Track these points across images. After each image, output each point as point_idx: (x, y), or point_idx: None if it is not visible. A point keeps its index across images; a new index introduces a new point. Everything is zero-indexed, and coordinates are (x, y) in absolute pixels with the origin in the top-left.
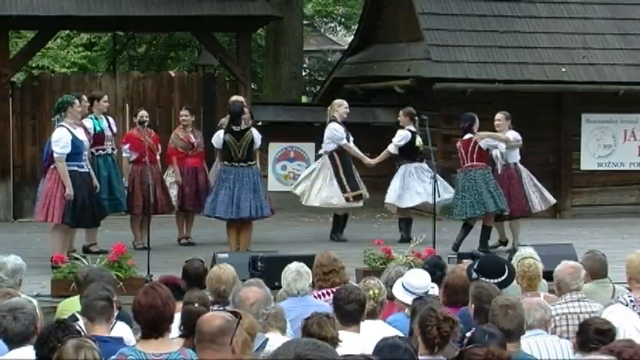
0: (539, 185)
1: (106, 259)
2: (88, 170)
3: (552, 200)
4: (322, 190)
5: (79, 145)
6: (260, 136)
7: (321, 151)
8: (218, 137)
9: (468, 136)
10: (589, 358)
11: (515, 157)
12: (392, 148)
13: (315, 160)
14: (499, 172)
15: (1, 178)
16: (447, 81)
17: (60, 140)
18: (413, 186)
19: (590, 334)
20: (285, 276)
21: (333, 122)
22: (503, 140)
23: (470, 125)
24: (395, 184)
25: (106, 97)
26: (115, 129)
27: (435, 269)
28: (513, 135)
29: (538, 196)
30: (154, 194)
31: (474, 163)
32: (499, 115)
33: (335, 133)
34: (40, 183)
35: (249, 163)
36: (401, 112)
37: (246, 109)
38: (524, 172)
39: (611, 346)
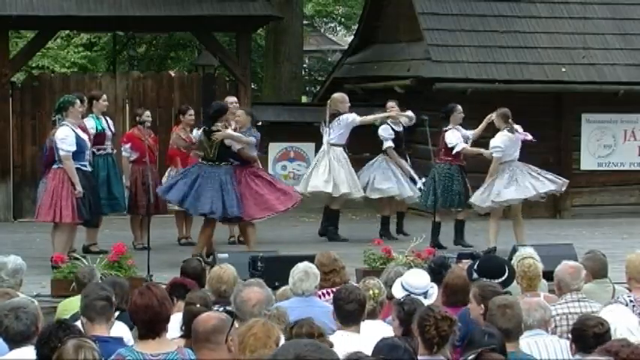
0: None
1: (106, 259)
2: (90, 169)
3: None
4: (349, 178)
5: (82, 145)
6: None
7: (324, 146)
8: (258, 136)
9: (444, 128)
10: (590, 359)
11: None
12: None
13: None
14: None
15: (1, 178)
16: (447, 81)
17: (66, 138)
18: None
19: (590, 340)
20: (292, 274)
21: (344, 114)
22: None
23: (446, 117)
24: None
25: (104, 97)
26: (113, 129)
27: (441, 268)
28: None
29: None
30: (154, 194)
31: (441, 157)
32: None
33: (352, 119)
34: (39, 183)
35: None
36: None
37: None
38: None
39: (607, 346)
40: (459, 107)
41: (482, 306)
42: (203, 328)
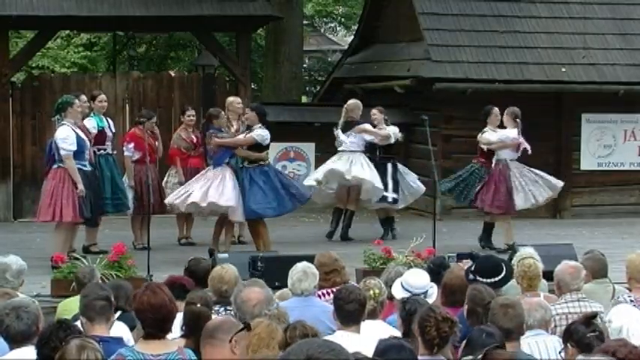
0: (540, 179)
1: (106, 259)
2: (91, 169)
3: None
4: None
5: (82, 144)
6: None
7: (343, 148)
8: (267, 134)
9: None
10: (594, 359)
11: (509, 154)
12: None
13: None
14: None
15: (1, 178)
16: (447, 81)
17: (67, 138)
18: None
19: (582, 329)
20: (291, 275)
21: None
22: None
23: (484, 119)
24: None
25: (101, 97)
26: (113, 129)
27: (440, 269)
28: (498, 136)
29: (525, 195)
30: (154, 194)
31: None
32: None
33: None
34: (43, 184)
35: None
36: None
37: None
38: (515, 170)
39: (604, 347)
40: (496, 109)
41: (466, 307)
42: (209, 325)
